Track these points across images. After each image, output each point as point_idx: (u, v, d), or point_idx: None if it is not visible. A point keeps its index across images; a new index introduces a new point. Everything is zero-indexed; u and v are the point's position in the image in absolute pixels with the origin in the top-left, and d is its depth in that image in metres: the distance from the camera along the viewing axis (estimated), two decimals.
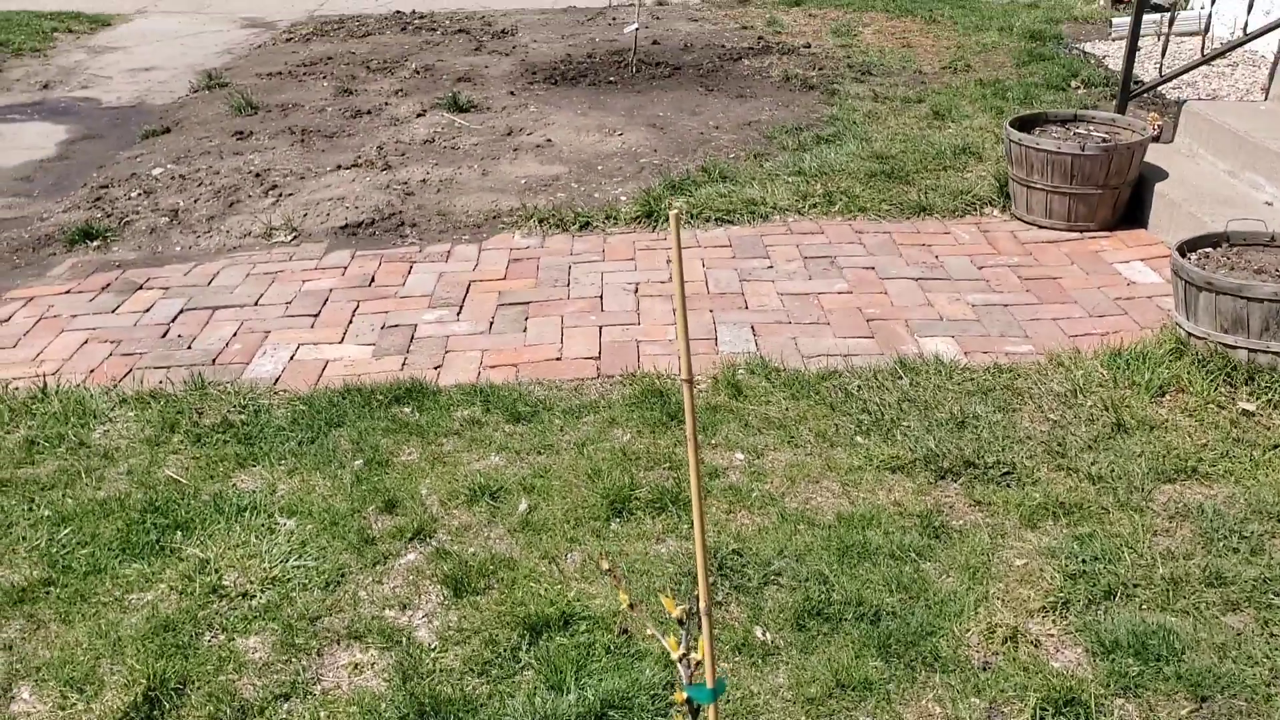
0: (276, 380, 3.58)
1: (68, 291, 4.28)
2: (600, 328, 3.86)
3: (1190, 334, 3.41)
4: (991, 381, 3.40)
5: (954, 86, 6.34)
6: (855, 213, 4.75)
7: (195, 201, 5.05)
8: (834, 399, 3.31)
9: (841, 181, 4.97)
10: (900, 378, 3.43)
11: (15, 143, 6.01)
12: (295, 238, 4.73)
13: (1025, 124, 4.75)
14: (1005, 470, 2.95)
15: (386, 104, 6.40)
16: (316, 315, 4.03)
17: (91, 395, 3.43)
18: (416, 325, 3.94)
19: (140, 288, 4.29)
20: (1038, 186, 4.53)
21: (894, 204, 4.79)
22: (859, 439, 3.11)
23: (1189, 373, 3.32)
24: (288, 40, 8.15)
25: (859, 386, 3.37)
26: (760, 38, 7.66)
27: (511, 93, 6.59)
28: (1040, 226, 4.60)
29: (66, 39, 8.29)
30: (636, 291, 4.12)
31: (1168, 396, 3.27)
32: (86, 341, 3.87)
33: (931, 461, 2.98)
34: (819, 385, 3.38)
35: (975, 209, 4.80)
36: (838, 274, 4.22)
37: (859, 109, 5.94)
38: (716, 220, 4.70)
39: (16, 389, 3.52)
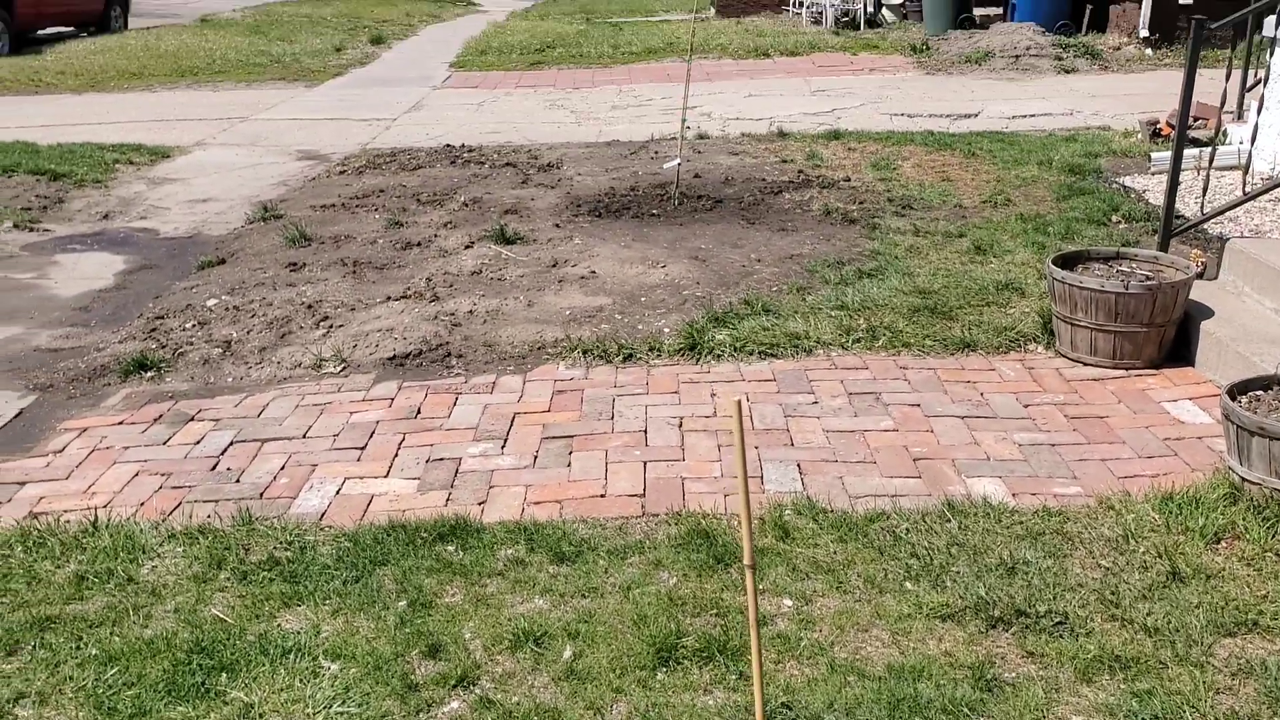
0: (322, 515, 3.60)
1: (120, 423, 4.35)
2: (645, 463, 3.86)
3: (1244, 479, 3.36)
4: (1041, 525, 3.36)
5: (995, 221, 6.40)
6: (899, 348, 4.76)
7: (248, 333, 5.16)
8: (882, 542, 3.28)
9: (885, 316, 5.00)
10: (948, 520, 3.39)
11: (75, 273, 6.18)
12: (344, 369, 4.81)
13: (1068, 261, 4.78)
14: (1058, 620, 2.89)
15: (436, 236, 6.55)
16: (363, 448, 4.07)
17: (141, 529, 3.46)
18: (461, 459, 3.96)
19: (192, 419, 4.36)
20: (1082, 324, 4.53)
21: (938, 340, 4.80)
22: (908, 585, 3.07)
23: (1245, 519, 3.26)
24: (341, 173, 8.40)
25: (907, 529, 3.34)
26: (800, 171, 7.80)
27: (557, 225, 6.73)
28: (1085, 364, 4.59)
29: (127, 170, 8.59)
30: (681, 426, 4.13)
31: (1223, 543, 3.21)
32: (137, 474, 3.92)
33: (982, 610, 2.93)
34: (867, 528, 3.35)
35: (1019, 345, 4.80)
36: (883, 411, 4.22)
37: (900, 243, 6.00)
38: (760, 354, 4.74)
39: (68, 522, 3.56)
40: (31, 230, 6.95)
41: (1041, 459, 3.83)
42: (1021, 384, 4.46)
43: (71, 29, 17.56)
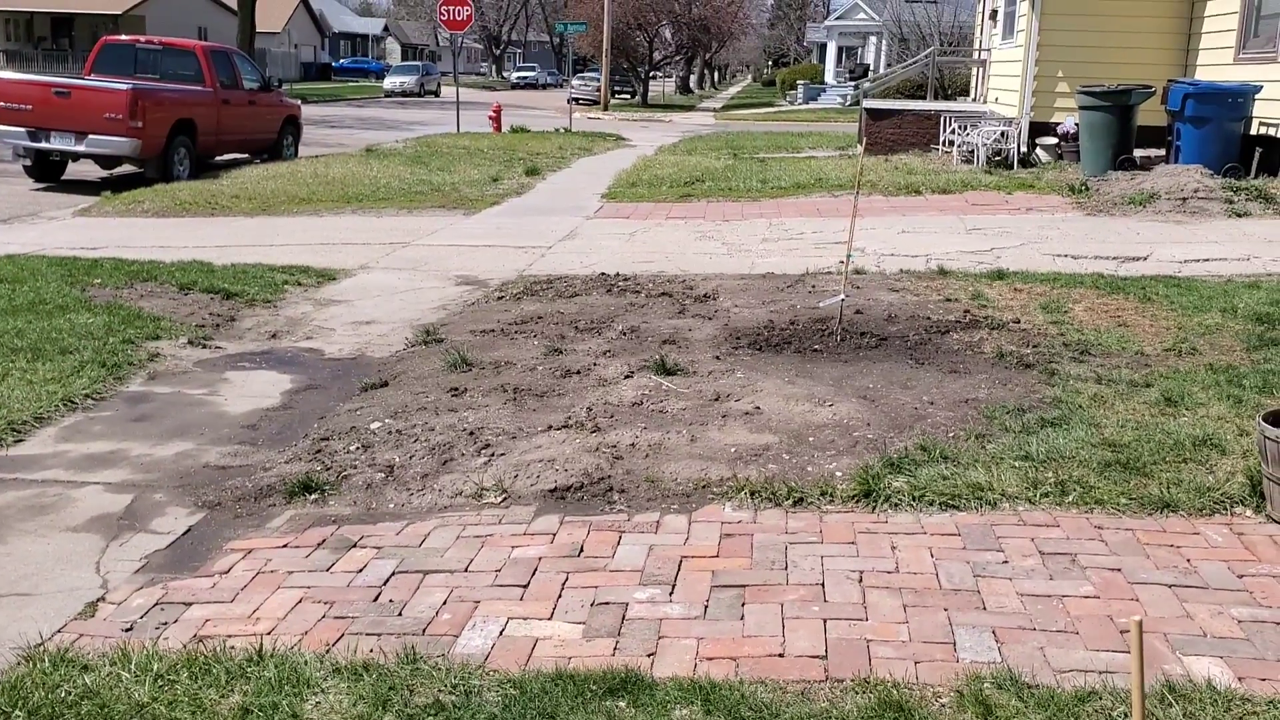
0: (487, 657, 3.45)
1: (285, 545, 4.32)
2: (824, 620, 3.62)
3: None
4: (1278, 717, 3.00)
5: (1182, 371, 6.05)
6: (1091, 505, 4.44)
7: (410, 458, 5.13)
8: None
9: (1073, 470, 4.69)
10: (1170, 705, 3.06)
11: (244, 390, 6.30)
12: (505, 499, 4.72)
13: (1278, 419, 4.42)
14: None
15: (595, 364, 6.50)
16: (525, 587, 3.93)
17: (305, 662, 3.36)
18: (628, 604, 3.78)
19: (354, 545, 4.29)
20: None
21: (1133, 498, 4.47)
22: None
23: None
24: (499, 299, 8.50)
25: (1124, 714, 3.02)
26: (966, 311, 7.57)
27: (717, 357, 6.62)
28: None
29: (295, 291, 8.85)
30: (861, 581, 3.88)
31: None
32: (301, 600, 3.85)
33: None
34: (1078, 709, 3.04)
35: (1224, 508, 4.43)
36: (1080, 575, 3.90)
37: (1083, 391, 5.70)
38: (940, 505, 4.47)
39: (233, 648, 3.48)
40: (204, 347, 7.16)
41: (1266, 639, 3.46)
42: (1232, 551, 4.09)
43: (246, 155, 18.56)
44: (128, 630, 3.67)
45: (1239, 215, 11.73)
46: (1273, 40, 13.55)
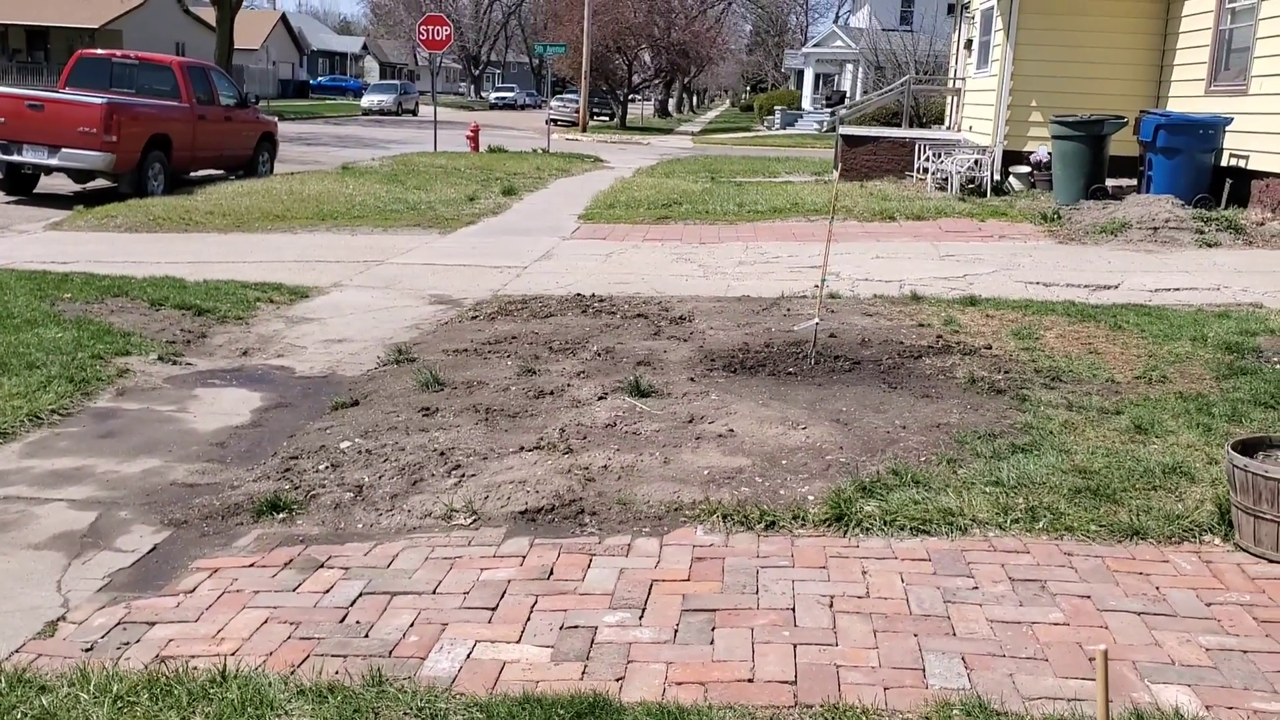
0: (454, 680, 3.41)
1: (252, 565, 4.27)
2: (794, 645, 3.60)
3: None
4: None
5: (1152, 399, 6.08)
6: (1061, 532, 4.45)
7: (380, 478, 5.09)
8: None
9: (1044, 496, 4.71)
10: None
11: (214, 408, 6.24)
12: (475, 521, 4.68)
13: (1247, 447, 4.46)
14: None
15: (569, 385, 6.48)
16: (494, 609, 3.90)
17: (270, 683, 3.31)
18: (597, 628, 3.75)
19: (321, 566, 4.25)
20: (1267, 517, 4.18)
21: (1103, 525, 4.48)
22: None
23: None
24: (473, 318, 8.47)
25: None
26: (939, 336, 7.60)
27: (691, 379, 6.62)
28: (1271, 560, 4.22)
29: (267, 309, 8.79)
30: (831, 606, 3.87)
31: None
32: (266, 621, 3.80)
33: None
34: None
35: (1194, 536, 4.45)
36: (1050, 601, 3.90)
37: (1054, 418, 5.72)
38: (911, 530, 4.47)
39: (196, 669, 3.43)
40: (175, 363, 7.09)
41: (1233, 667, 3.47)
42: (1200, 579, 4.11)
43: (221, 171, 18.47)
44: (88, 650, 3.61)
45: (1209, 245, 11.86)
46: (1243, 73, 13.74)
